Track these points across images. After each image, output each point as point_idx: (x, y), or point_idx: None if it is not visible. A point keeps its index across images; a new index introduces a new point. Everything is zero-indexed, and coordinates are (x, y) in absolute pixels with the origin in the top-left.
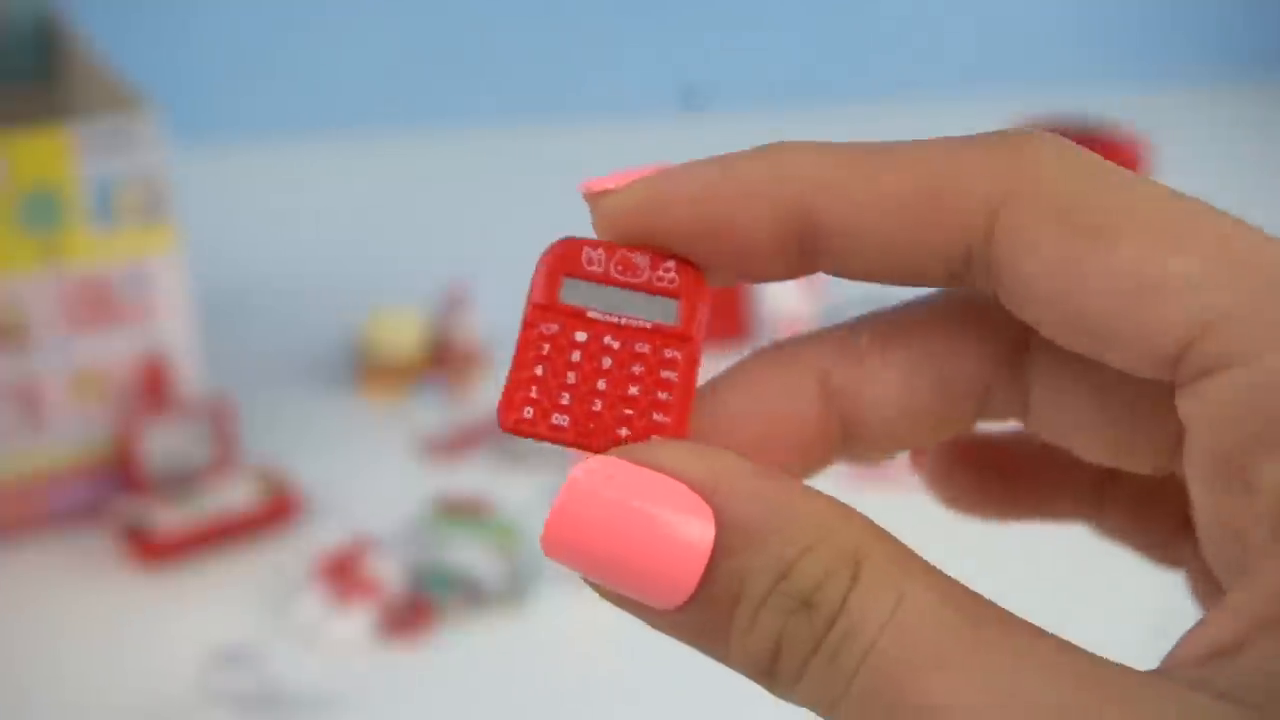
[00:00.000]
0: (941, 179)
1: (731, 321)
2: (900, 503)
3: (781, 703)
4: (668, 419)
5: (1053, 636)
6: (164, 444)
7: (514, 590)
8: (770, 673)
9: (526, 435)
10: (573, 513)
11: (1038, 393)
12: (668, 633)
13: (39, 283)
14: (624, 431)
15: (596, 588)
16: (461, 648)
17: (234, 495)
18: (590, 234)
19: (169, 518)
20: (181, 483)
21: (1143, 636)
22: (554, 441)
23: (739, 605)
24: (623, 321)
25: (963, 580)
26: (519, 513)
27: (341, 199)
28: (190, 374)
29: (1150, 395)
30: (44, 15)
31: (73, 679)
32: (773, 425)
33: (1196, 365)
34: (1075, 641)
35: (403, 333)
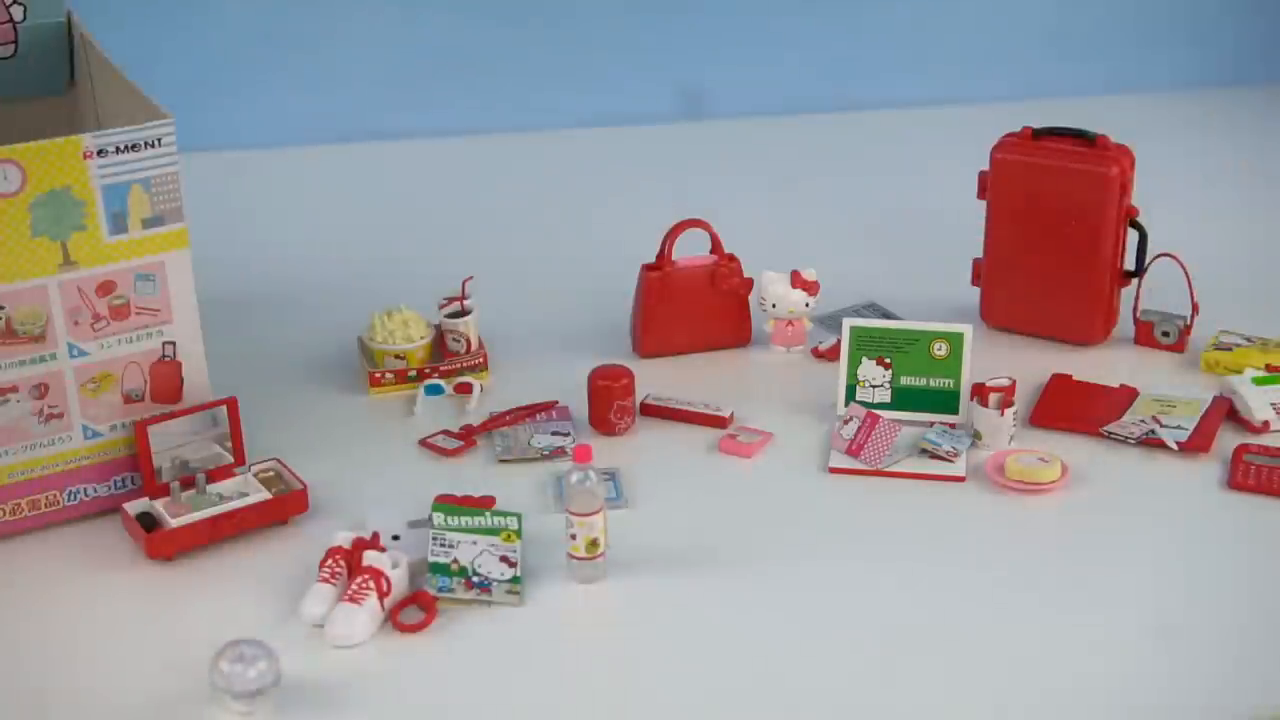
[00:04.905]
0: None
1: (734, 323)
2: (903, 500)
3: (775, 693)
4: None
5: None
6: (174, 442)
7: (515, 585)
8: None
9: None
10: None
11: None
12: None
13: (56, 285)
14: None
15: None
16: (465, 641)
17: (242, 492)
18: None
19: (179, 513)
20: (191, 480)
21: (1143, 635)
22: None
23: None
24: None
25: (964, 578)
26: (520, 510)
27: (347, 203)
28: (200, 373)
29: None
30: (63, 31)
31: (86, 669)
32: None
33: None
34: (1076, 641)
35: (405, 333)
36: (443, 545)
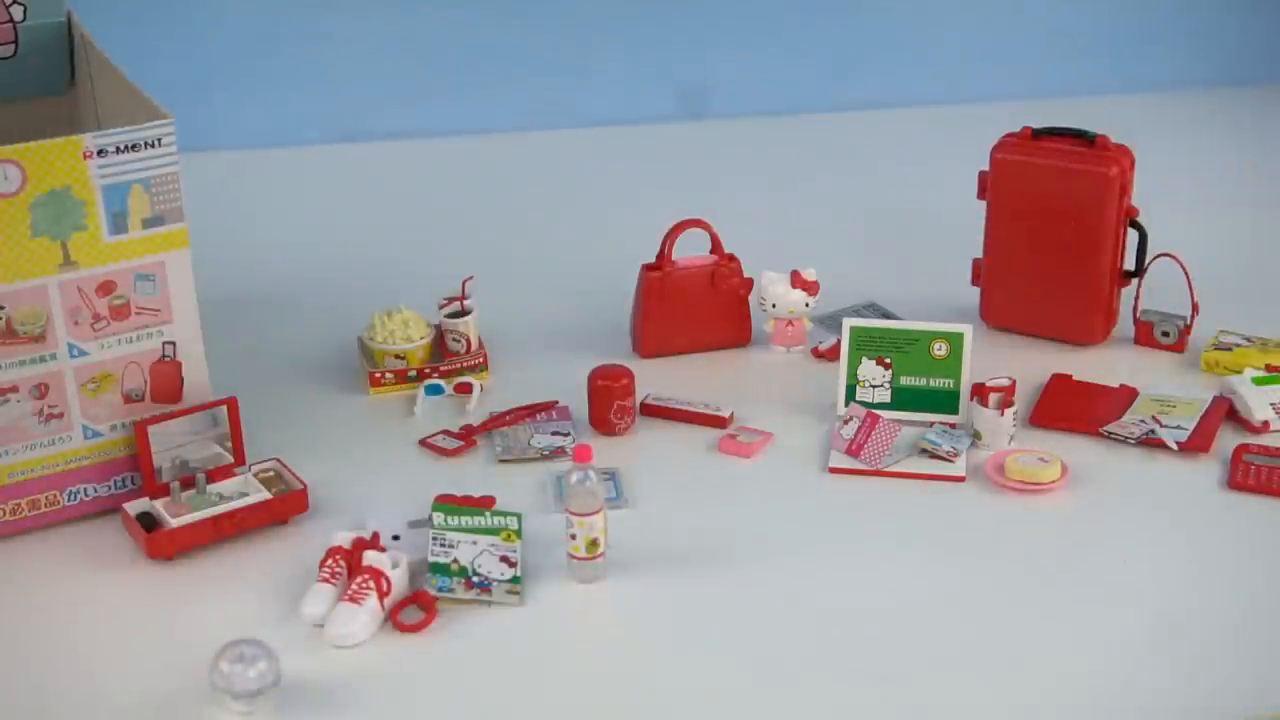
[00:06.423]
0: None
1: (734, 323)
2: (903, 500)
3: (776, 693)
4: None
5: None
6: (174, 442)
7: (515, 585)
8: None
9: None
10: None
11: None
12: None
13: (56, 285)
14: None
15: None
16: (465, 641)
17: (242, 492)
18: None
19: (179, 513)
20: (191, 480)
21: (1143, 635)
22: None
23: None
24: None
25: (963, 578)
26: (520, 510)
27: (347, 203)
28: (200, 373)
29: None
30: (63, 31)
31: (86, 669)
32: None
33: None
34: (1076, 641)
35: (405, 333)
36: (443, 545)
